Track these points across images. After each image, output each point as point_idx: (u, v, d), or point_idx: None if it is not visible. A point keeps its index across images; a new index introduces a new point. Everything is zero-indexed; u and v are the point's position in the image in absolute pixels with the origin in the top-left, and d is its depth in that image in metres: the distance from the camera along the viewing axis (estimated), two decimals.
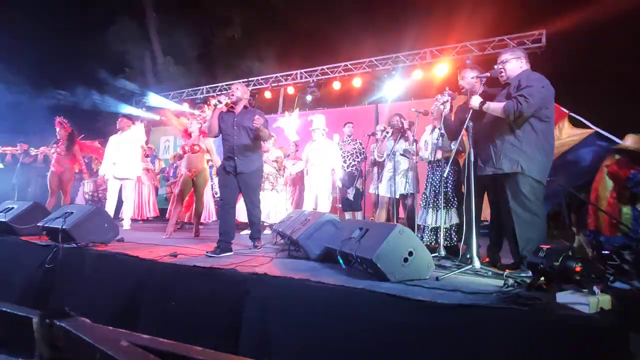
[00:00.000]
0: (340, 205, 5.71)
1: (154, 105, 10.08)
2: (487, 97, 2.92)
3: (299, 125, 6.48)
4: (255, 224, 3.89)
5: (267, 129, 3.71)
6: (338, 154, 5.52)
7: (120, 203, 5.81)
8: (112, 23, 14.02)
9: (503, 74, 2.89)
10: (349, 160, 5.71)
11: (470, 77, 3.31)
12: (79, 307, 2.95)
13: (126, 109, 10.31)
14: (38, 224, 3.91)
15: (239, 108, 3.75)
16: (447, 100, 3.24)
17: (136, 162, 5.85)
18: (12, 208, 4.38)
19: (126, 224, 5.71)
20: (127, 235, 4.33)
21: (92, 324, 0.63)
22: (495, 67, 2.93)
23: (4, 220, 4.16)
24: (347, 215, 5.70)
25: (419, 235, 3.76)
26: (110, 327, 0.62)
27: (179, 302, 2.68)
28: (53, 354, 0.60)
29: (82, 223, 3.62)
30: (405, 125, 4.34)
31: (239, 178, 3.69)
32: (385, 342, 1.96)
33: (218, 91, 9.61)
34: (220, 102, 3.58)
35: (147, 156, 7.22)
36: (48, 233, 3.81)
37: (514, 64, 2.86)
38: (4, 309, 0.69)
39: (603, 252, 2.80)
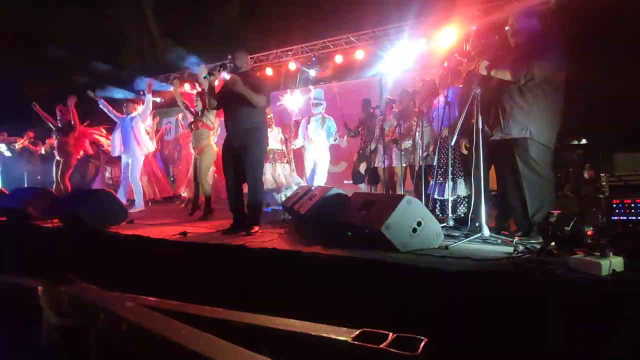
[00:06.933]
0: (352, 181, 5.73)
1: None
2: (496, 61, 2.82)
3: (301, 103, 6.42)
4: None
5: (255, 92, 3.20)
6: (334, 128, 5.53)
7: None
8: (108, 3, 13.73)
9: (514, 36, 2.77)
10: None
11: (480, 41, 3.20)
12: None
13: (122, 92, 10.17)
14: (49, 208, 3.97)
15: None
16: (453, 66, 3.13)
17: (142, 141, 5.66)
18: (23, 194, 4.46)
19: (138, 204, 5.53)
20: (137, 216, 4.38)
21: (98, 290, 0.62)
22: (506, 28, 2.81)
23: (15, 205, 4.23)
24: (362, 188, 5.70)
25: (431, 207, 3.73)
26: (117, 293, 0.61)
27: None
28: (59, 320, 0.59)
29: (92, 206, 3.66)
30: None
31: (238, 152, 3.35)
32: (397, 311, 1.97)
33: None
34: (211, 74, 3.42)
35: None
36: (59, 217, 3.86)
37: (525, 26, 2.73)
38: (10, 281, 0.69)
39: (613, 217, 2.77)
